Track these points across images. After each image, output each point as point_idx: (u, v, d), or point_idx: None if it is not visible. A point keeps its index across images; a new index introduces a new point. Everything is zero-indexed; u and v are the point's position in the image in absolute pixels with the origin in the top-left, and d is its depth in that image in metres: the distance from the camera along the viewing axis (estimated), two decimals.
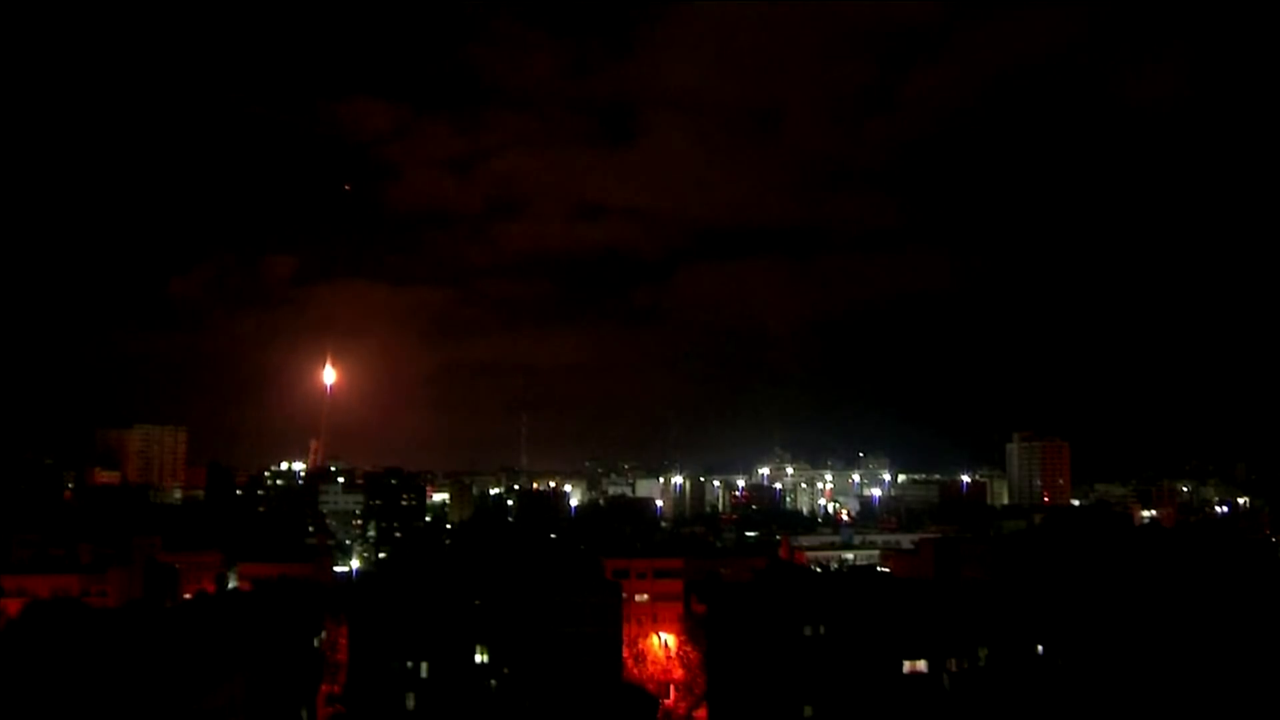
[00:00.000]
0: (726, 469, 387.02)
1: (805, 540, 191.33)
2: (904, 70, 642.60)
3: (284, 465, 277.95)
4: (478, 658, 74.46)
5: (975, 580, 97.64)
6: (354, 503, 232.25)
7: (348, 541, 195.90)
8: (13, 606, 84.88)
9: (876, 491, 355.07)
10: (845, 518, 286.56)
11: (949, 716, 73.19)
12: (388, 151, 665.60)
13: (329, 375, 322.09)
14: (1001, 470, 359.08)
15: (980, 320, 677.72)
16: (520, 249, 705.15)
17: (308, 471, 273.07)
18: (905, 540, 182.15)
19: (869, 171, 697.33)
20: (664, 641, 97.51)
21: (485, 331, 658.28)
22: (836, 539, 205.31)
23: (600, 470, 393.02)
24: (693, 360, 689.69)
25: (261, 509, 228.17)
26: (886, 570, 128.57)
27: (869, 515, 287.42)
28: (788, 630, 73.62)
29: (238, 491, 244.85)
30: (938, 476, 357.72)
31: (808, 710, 71.95)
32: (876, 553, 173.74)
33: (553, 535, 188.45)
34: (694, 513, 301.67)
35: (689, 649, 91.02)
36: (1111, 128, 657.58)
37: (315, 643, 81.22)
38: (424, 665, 73.70)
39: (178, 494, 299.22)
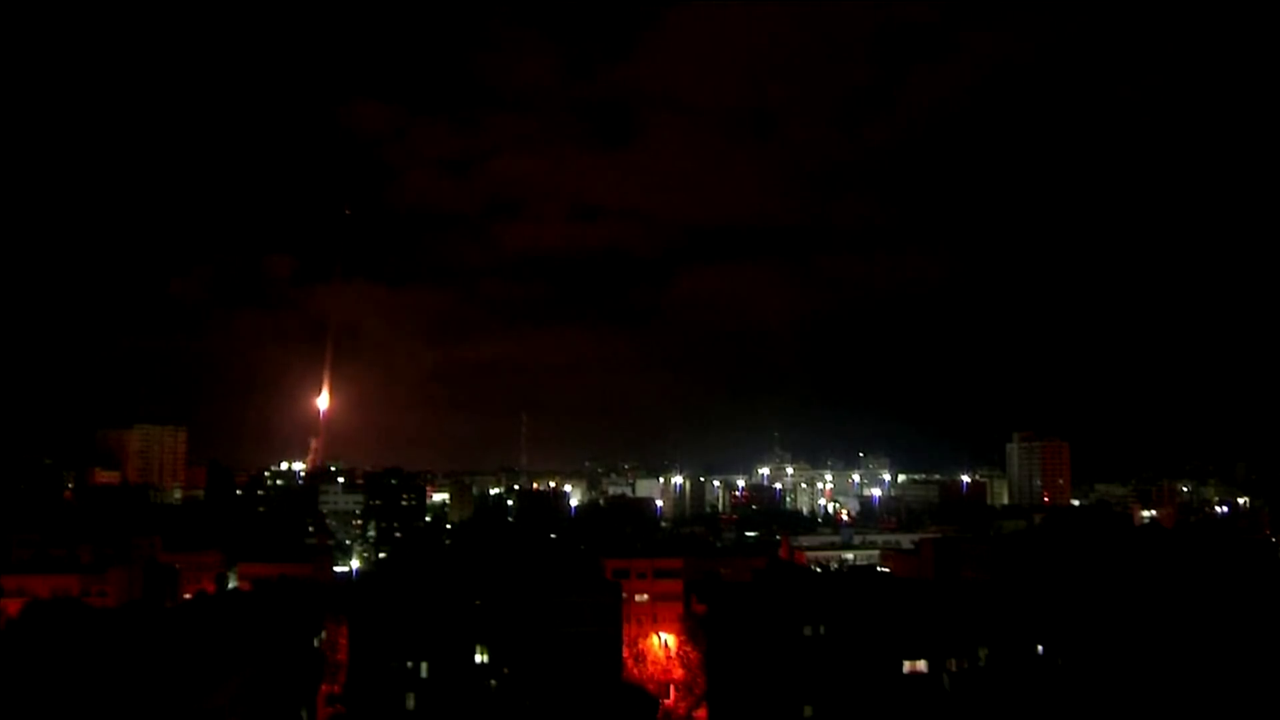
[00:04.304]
0: (726, 469, 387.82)
1: (805, 540, 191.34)
2: (901, 71, 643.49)
3: (284, 465, 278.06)
4: (478, 658, 74.43)
5: (975, 580, 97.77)
6: (354, 503, 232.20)
7: (348, 541, 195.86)
8: (13, 606, 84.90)
9: (876, 491, 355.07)
10: (845, 518, 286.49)
11: (949, 716, 73.20)
12: (386, 153, 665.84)
13: (323, 401, 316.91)
14: (1001, 470, 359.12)
15: (980, 320, 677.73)
16: (519, 249, 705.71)
17: (308, 471, 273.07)
18: (905, 540, 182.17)
19: (867, 172, 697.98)
20: (664, 641, 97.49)
21: (485, 331, 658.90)
22: (836, 539, 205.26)
23: (600, 470, 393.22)
24: (692, 361, 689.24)
25: (261, 509, 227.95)
26: (886, 570, 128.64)
27: (869, 515, 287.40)
28: (788, 630, 73.65)
29: (238, 491, 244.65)
30: (938, 476, 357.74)
31: (808, 710, 71.97)
32: (876, 553, 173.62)
33: (553, 535, 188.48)
34: (694, 513, 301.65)
35: (689, 649, 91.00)
36: (1110, 127, 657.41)
37: (315, 643, 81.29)
38: (424, 665, 73.69)
39: (178, 494, 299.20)
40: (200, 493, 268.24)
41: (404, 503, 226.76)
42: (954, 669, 74.42)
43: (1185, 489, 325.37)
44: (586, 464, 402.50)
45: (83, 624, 68.63)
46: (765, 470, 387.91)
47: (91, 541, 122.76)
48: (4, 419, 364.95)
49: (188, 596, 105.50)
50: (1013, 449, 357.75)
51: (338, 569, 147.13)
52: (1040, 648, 76.34)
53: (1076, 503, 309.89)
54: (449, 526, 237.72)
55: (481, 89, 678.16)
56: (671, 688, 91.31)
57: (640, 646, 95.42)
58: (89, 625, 68.56)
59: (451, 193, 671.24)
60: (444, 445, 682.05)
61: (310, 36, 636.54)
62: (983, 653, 75.11)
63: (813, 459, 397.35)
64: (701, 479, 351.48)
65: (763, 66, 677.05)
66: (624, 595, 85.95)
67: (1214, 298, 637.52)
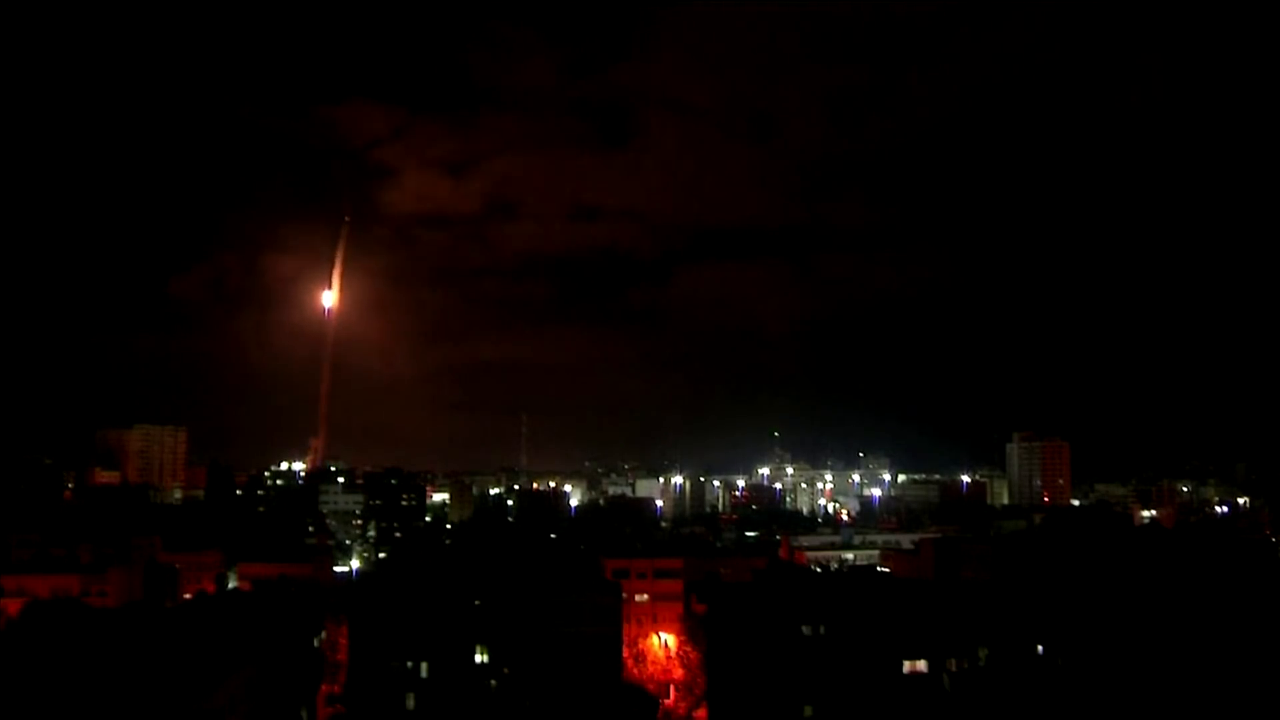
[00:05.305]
0: (726, 469, 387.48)
1: (805, 540, 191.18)
2: (900, 71, 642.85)
3: (284, 465, 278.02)
4: (478, 658, 74.47)
5: (975, 580, 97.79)
6: (354, 503, 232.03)
7: (348, 541, 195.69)
8: (13, 606, 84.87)
9: (876, 491, 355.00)
10: (845, 518, 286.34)
11: (949, 716, 73.21)
12: (385, 153, 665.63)
13: (329, 298, 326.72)
14: (1001, 470, 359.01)
15: (980, 320, 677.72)
16: (518, 250, 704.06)
17: (308, 471, 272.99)
18: (905, 540, 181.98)
19: (867, 172, 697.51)
20: (664, 641, 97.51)
21: (484, 331, 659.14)
22: (836, 539, 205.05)
23: (600, 470, 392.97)
24: (692, 361, 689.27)
25: (261, 509, 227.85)
26: (886, 570, 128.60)
27: (869, 515, 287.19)
28: (787, 630, 73.66)
29: (238, 491, 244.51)
30: (938, 476, 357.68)
31: (808, 710, 71.98)
32: (876, 553, 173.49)
33: (553, 535, 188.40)
34: (694, 513, 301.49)
35: (689, 649, 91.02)
36: (1110, 127, 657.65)
37: (315, 643, 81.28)
38: (424, 665, 73.73)
39: (178, 494, 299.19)
40: (200, 493, 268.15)
41: (404, 503, 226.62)
42: (954, 669, 74.42)
43: (1185, 489, 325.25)
44: (586, 464, 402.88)
45: (83, 624, 68.60)
46: (765, 470, 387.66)
47: (91, 541, 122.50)
48: (4, 419, 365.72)
49: (188, 596, 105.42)
50: (1013, 449, 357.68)
51: (338, 569, 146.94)
52: (1040, 648, 76.34)
53: (1076, 503, 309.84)
54: (449, 526, 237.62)
55: (480, 89, 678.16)
56: (671, 688, 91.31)
57: (640, 646, 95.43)
58: (89, 625, 68.53)
59: (451, 193, 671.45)
60: (444, 445, 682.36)
61: (310, 36, 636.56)
62: (983, 653, 75.10)
63: (813, 459, 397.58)
64: (701, 479, 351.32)
65: (761, 66, 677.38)
66: (624, 595, 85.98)
67: (1214, 298, 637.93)
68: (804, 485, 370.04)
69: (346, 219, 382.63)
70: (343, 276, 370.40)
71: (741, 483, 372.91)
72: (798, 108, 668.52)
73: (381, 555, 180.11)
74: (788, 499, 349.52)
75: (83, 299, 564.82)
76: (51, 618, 70.35)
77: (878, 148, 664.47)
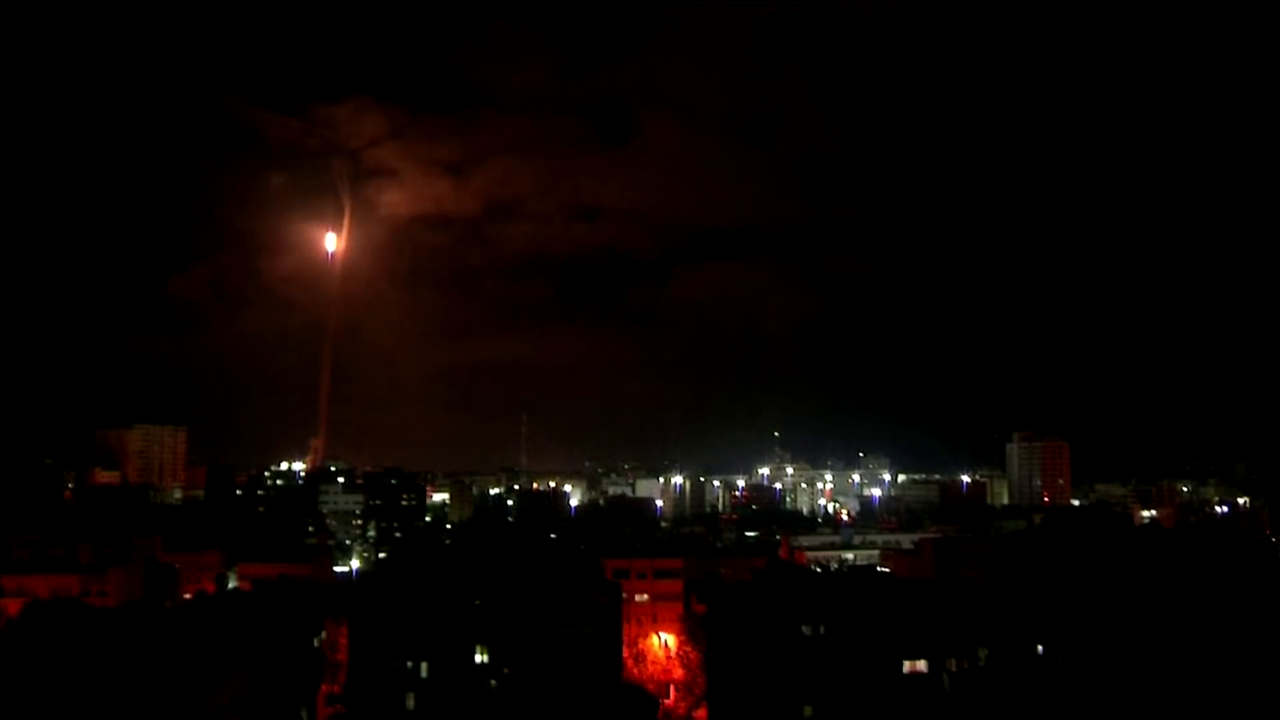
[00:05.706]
0: (726, 469, 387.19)
1: (805, 540, 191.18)
2: (900, 71, 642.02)
3: (284, 465, 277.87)
4: (478, 658, 74.52)
5: (975, 580, 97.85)
6: (354, 503, 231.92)
7: (348, 541, 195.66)
8: (13, 606, 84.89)
9: (876, 491, 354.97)
10: (845, 518, 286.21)
11: (949, 716, 73.24)
12: (385, 153, 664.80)
13: (332, 242, 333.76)
14: (1001, 470, 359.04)
15: (980, 321, 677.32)
16: (518, 250, 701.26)
17: (308, 471, 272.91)
18: (905, 540, 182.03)
19: (867, 172, 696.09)
20: (664, 641, 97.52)
21: (484, 331, 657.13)
22: (836, 539, 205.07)
23: (600, 470, 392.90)
24: (692, 361, 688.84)
25: (261, 509, 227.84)
26: (886, 570, 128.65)
27: (869, 515, 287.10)
28: (788, 630, 73.70)
29: (238, 491, 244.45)
30: (938, 476, 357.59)
31: (808, 710, 72.01)
32: (876, 553, 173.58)
33: (553, 535, 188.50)
34: (694, 513, 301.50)
35: (689, 649, 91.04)
36: (1111, 127, 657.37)
37: (315, 643, 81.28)
38: (424, 665, 73.80)
39: (178, 494, 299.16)
40: (200, 493, 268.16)
41: (404, 503, 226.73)
42: (954, 669, 74.45)
43: (1185, 489, 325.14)
44: (586, 464, 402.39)
45: (83, 624, 68.62)
46: (765, 470, 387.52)
47: (91, 541, 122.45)
48: (4, 419, 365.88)
49: (188, 596, 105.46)
50: (1013, 449, 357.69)
51: (338, 569, 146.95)
52: (1040, 648, 76.39)
53: (1076, 503, 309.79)
54: (449, 526, 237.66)
55: (480, 89, 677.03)
56: (671, 688, 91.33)
57: (640, 646, 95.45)
58: (89, 625, 68.55)
59: (450, 193, 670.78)
60: (444, 445, 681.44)
61: (309, 36, 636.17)
62: (983, 653, 75.13)
63: (813, 459, 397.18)
64: (701, 479, 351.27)
65: (761, 66, 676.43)
66: (624, 595, 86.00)
67: (1214, 298, 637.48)
68: (804, 485, 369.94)
69: (346, 219, 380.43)
70: (342, 273, 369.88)
71: (741, 483, 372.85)
72: (798, 108, 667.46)
73: (381, 555, 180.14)
74: (788, 499, 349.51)
75: (83, 299, 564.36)
76: (51, 618, 70.37)
77: (878, 148, 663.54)
